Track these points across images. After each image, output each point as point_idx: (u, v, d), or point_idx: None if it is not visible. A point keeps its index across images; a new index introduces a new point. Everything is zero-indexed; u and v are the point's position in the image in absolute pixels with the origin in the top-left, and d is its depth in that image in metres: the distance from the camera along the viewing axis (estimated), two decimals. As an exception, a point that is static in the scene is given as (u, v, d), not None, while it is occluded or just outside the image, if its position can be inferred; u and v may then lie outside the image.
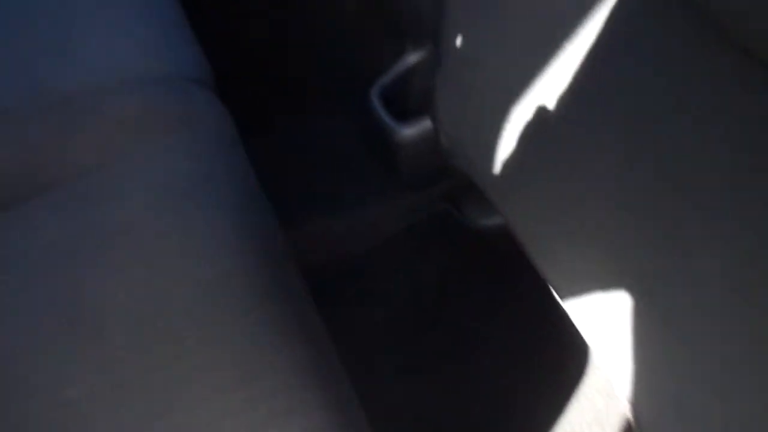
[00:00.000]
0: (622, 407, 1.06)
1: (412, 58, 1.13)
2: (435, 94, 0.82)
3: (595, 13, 0.52)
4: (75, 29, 0.70)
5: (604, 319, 0.57)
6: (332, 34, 1.43)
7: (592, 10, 0.52)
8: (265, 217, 0.70)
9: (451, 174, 1.20)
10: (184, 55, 0.74)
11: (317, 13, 1.47)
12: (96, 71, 0.67)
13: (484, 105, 0.77)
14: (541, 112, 0.69)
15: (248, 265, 0.61)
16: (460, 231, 1.19)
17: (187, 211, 0.57)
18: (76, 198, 0.57)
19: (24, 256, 0.57)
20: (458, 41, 0.74)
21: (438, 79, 0.80)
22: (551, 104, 0.66)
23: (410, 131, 1.10)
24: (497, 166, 0.82)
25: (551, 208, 0.71)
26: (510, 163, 0.79)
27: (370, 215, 1.16)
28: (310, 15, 1.48)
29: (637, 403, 0.54)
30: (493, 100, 0.76)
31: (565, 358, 1.11)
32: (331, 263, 1.15)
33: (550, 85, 0.65)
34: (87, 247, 0.55)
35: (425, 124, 1.10)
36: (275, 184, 0.86)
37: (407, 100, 1.20)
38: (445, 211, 1.20)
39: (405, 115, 1.20)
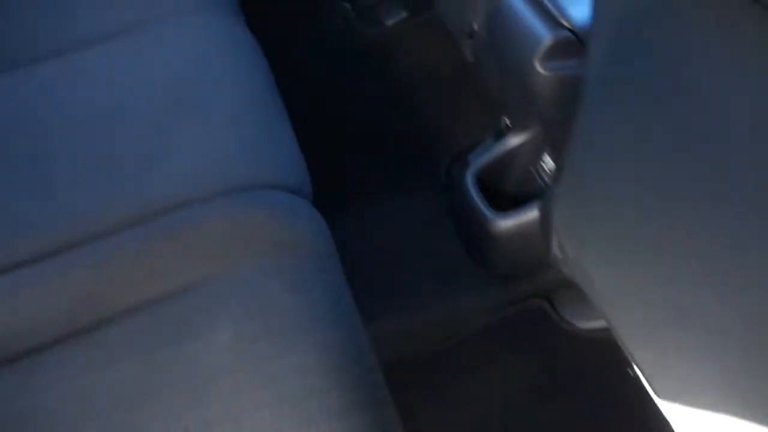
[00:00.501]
0: None
1: (513, 140, 1.04)
2: (553, 200, 0.73)
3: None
4: (166, 133, 0.64)
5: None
6: (420, 100, 1.36)
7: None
8: (359, 336, 0.61)
9: (546, 268, 1.09)
10: (281, 159, 0.66)
11: (405, 75, 1.41)
12: (183, 181, 0.61)
13: (611, 219, 0.68)
14: (673, 225, 0.61)
15: (341, 380, 0.53)
16: (554, 331, 1.07)
17: (281, 356, 0.48)
18: (154, 330, 0.49)
19: (93, 390, 0.49)
20: (587, 155, 0.65)
21: (560, 186, 0.71)
22: (682, 219, 0.58)
23: (508, 223, 1.00)
24: (613, 277, 0.72)
25: (665, 322, 0.63)
26: (628, 276, 0.69)
27: (454, 308, 1.06)
28: (397, 75, 1.42)
29: None
30: (623, 215, 0.66)
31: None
32: (409, 358, 1.06)
33: (683, 202, 0.57)
34: (154, 390, 0.47)
35: (525, 216, 1.00)
36: (348, 272, 0.78)
37: (502, 184, 1.11)
38: (539, 308, 1.09)
39: (496, 197, 1.10)
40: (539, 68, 0.74)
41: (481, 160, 1.06)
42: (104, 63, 0.70)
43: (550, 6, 0.74)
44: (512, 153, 1.06)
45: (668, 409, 0.64)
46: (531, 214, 0.99)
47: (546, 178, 1.03)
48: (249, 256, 0.54)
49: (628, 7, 0.52)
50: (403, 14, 1.48)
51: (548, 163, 1.03)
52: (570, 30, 0.73)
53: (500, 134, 1.27)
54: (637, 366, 0.71)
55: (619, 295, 0.74)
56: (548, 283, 1.09)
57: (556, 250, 0.79)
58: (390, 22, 1.47)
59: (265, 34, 1.05)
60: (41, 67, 0.70)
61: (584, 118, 0.63)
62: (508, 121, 1.23)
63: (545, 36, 0.73)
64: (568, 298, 1.09)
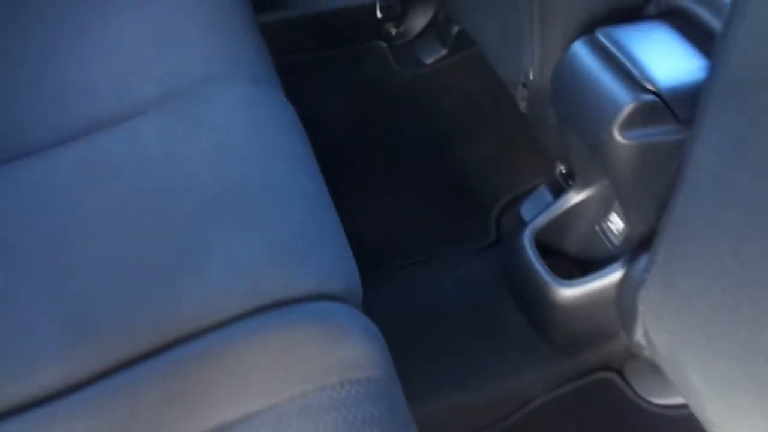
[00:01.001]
0: None
1: (576, 197, 0.94)
2: (639, 288, 0.63)
3: None
4: (201, 234, 0.56)
5: None
6: (465, 143, 1.27)
7: None
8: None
9: (614, 337, 0.99)
10: (329, 260, 0.57)
11: (448, 117, 1.32)
12: (219, 296, 0.52)
13: (706, 315, 0.58)
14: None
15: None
16: (626, 407, 0.96)
17: None
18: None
19: None
20: (684, 245, 0.55)
21: (650, 274, 0.61)
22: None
23: (574, 292, 0.90)
24: (706, 375, 0.62)
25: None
26: (723, 379, 0.60)
27: (514, 385, 0.96)
28: (440, 117, 1.33)
29: None
30: (719, 313, 0.56)
31: None
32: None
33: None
34: None
35: (592, 285, 0.89)
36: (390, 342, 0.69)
37: (562, 244, 1.01)
38: (608, 382, 0.98)
39: (555, 258, 1.00)
40: (618, 136, 0.65)
41: (539, 219, 0.96)
42: (126, 148, 0.62)
43: (629, 65, 0.65)
44: (574, 211, 0.96)
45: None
46: (599, 283, 0.89)
47: (614, 240, 0.93)
48: (295, 385, 0.46)
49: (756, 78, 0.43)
50: (443, 52, 1.39)
51: (616, 223, 0.93)
52: (655, 94, 0.64)
53: (555, 183, 1.18)
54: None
55: (711, 391, 0.64)
56: (617, 354, 0.98)
57: (639, 337, 0.69)
58: (429, 61, 1.39)
59: (296, 85, 0.98)
60: (53, 153, 0.63)
61: (683, 202, 0.54)
62: (564, 169, 1.13)
63: (626, 101, 0.63)
64: (640, 370, 0.98)
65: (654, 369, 1.01)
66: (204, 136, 0.63)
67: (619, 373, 0.97)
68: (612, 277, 0.88)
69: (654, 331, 0.63)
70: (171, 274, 0.52)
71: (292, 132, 0.68)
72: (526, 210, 1.15)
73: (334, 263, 0.57)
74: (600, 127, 0.65)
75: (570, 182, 1.11)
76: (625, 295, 0.72)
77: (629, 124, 0.64)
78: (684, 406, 0.98)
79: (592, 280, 0.88)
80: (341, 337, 0.49)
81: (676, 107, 0.63)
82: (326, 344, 0.49)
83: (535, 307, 0.96)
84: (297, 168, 0.62)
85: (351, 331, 0.50)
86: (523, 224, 1.15)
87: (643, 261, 0.68)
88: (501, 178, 1.22)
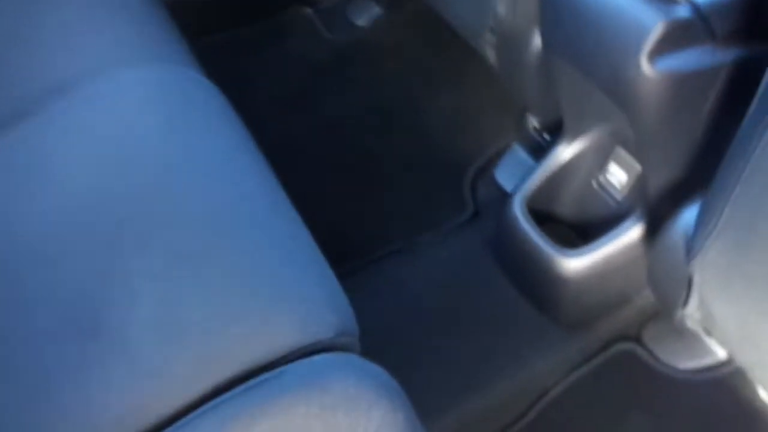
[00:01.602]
0: None
1: (566, 152, 0.82)
2: (701, 253, 0.51)
3: None
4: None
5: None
6: (419, 110, 1.13)
7: None
8: None
9: (626, 303, 0.88)
10: (316, 300, 0.43)
11: (395, 83, 1.17)
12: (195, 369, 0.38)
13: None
14: None
15: None
16: (652, 377, 0.86)
17: None
18: None
19: None
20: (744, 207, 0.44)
21: (710, 239, 0.49)
22: None
23: (582, 262, 0.79)
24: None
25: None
26: None
27: (524, 376, 0.84)
28: (386, 85, 1.17)
29: None
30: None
31: None
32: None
33: None
34: None
35: (600, 251, 0.78)
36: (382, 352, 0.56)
37: (555, 207, 0.89)
38: (626, 353, 0.88)
39: (548, 223, 0.88)
40: (646, 69, 0.52)
41: (529, 183, 0.83)
42: (29, 147, 0.45)
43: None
44: (567, 168, 0.84)
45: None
46: (611, 247, 0.77)
47: (616, 195, 0.82)
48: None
49: None
50: (377, 11, 1.24)
51: (616, 174, 0.82)
52: (693, 8, 0.51)
53: (530, 140, 1.06)
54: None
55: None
56: (632, 320, 0.88)
57: (692, 310, 0.57)
58: (363, 23, 1.24)
59: (218, 68, 0.81)
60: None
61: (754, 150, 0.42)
62: (537, 123, 1.01)
63: (655, 21, 0.50)
64: (659, 334, 0.88)
65: (674, 331, 0.92)
66: (114, 133, 0.47)
67: (638, 340, 0.87)
68: (625, 238, 0.77)
69: (719, 304, 0.52)
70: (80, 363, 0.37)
71: (226, 120, 0.52)
72: (501, 175, 1.02)
73: (321, 301, 0.42)
74: (620, 60, 0.53)
75: (546, 137, 1.00)
76: (661, 260, 0.61)
77: (659, 49, 0.51)
78: (712, 369, 0.90)
79: (602, 244, 0.77)
80: (354, 403, 0.35)
81: (715, 21, 0.52)
82: (337, 408, 0.35)
83: (538, 285, 0.84)
84: (245, 171, 0.46)
85: (362, 391, 0.37)
86: (502, 191, 1.04)
87: (685, 217, 0.57)
88: (466, 144, 1.09)
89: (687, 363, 0.85)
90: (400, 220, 0.99)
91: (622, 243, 0.75)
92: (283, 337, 0.40)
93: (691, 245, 0.52)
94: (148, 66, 0.56)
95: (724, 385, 0.85)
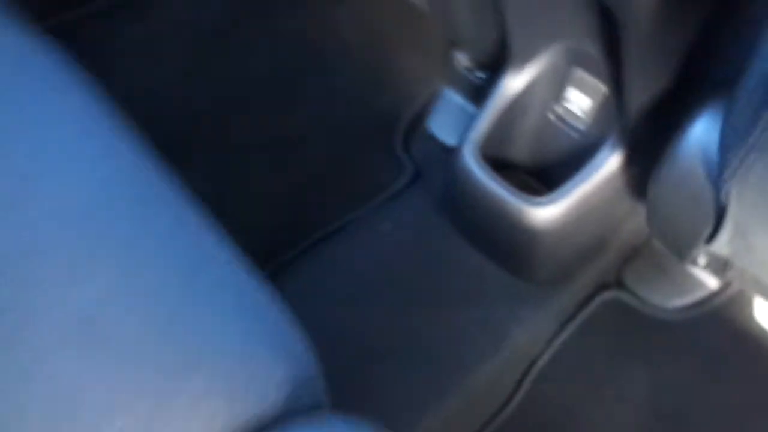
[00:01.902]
0: None
1: (517, 82, 0.70)
2: (736, 177, 0.40)
3: None
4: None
5: None
6: (330, 69, 0.98)
7: None
8: None
9: (605, 249, 0.78)
10: (274, 367, 0.29)
11: (283, 45, 1.01)
12: None
13: None
14: None
15: None
16: (641, 321, 0.77)
17: None
18: None
19: None
20: None
21: (743, 141, 0.38)
22: None
23: (555, 210, 0.67)
24: None
25: None
26: None
27: (506, 352, 0.72)
28: (273, 49, 1.01)
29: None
30: None
31: None
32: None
33: None
34: None
35: (575, 193, 0.67)
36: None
37: (509, 149, 0.77)
38: (612, 302, 0.78)
39: (503, 170, 0.77)
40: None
41: (477, 128, 0.71)
42: None
43: None
44: (518, 104, 0.72)
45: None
46: (584, 188, 0.67)
47: (579, 125, 0.71)
48: None
49: None
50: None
51: (576, 101, 0.71)
52: None
53: (461, 81, 0.93)
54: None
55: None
56: (611, 266, 0.78)
57: (720, 246, 0.47)
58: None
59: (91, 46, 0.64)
60: None
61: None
62: (469, 60, 0.89)
63: None
64: (641, 275, 0.79)
65: (656, 268, 0.84)
66: None
67: (620, 286, 0.78)
68: (602, 172, 0.65)
69: (762, 233, 0.42)
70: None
71: (101, 107, 0.37)
72: (436, 126, 0.90)
73: (268, 358, 0.28)
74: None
75: (480, 75, 0.88)
76: (671, 193, 0.50)
77: None
78: (704, 302, 0.82)
79: (577, 184, 0.65)
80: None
81: None
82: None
83: (506, 243, 0.72)
84: (125, 169, 0.31)
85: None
86: (441, 145, 0.92)
87: (696, 132, 0.46)
88: (389, 97, 0.95)
89: (677, 301, 0.77)
90: (332, 196, 0.85)
91: (598, 179, 0.64)
92: (222, 418, 0.26)
93: (722, 165, 0.42)
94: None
95: (718, 317, 0.77)
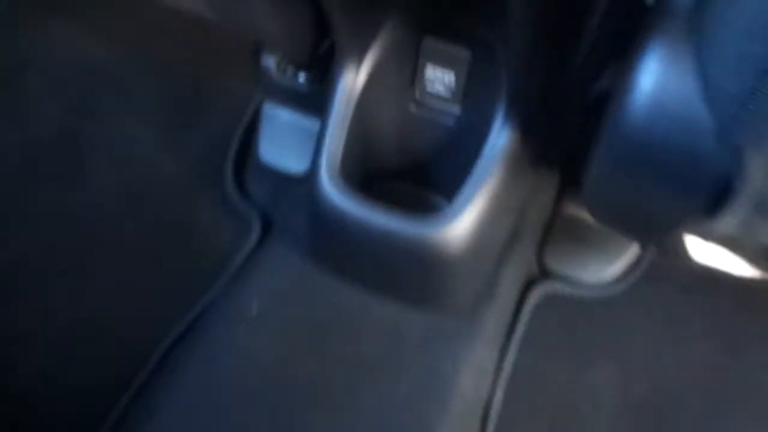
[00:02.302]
0: None
1: (354, 83, 0.52)
2: (747, 121, 0.27)
3: None
4: None
5: None
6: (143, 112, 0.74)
7: None
8: None
9: (519, 242, 0.64)
10: None
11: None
12: None
13: None
14: None
15: None
16: (584, 307, 0.65)
17: None
18: None
19: None
20: None
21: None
22: None
23: (456, 227, 0.52)
24: None
25: None
26: None
27: (455, 403, 0.57)
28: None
29: None
30: None
31: None
32: None
33: None
34: None
35: (474, 199, 0.51)
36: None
37: (375, 154, 0.60)
38: (547, 297, 0.65)
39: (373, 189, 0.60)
40: None
41: (327, 148, 0.54)
42: None
43: None
44: (368, 103, 0.56)
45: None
46: (486, 188, 0.52)
47: (451, 110, 0.57)
48: None
49: None
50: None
51: (439, 78, 0.56)
52: None
53: (281, 91, 0.75)
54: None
55: None
56: (530, 256, 0.65)
57: (728, 224, 0.34)
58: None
59: None
60: None
61: None
62: (287, 64, 0.70)
63: None
64: (565, 253, 0.67)
65: (576, 242, 0.73)
66: None
67: (546, 273, 0.66)
68: (503, 159, 0.51)
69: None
70: None
71: None
72: (269, 153, 0.72)
73: None
74: None
75: (300, 78, 0.71)
76: (628, 169, 0.37)
77: None
78: (637, 263, 0.72)
79: (478, 184, 0.50)
80: None
81: None
82: None
83: (412, 279, 0.56)
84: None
85: None
86: (281, 176, 0.73)
87: (643, 90, 0.32)
88: (200, 138, 0.75)
89: (610, 270, 0.66)
90: (170, 285, 0.65)
91: (500, 170, 0.50)
92: None
93: (725, 124, 0.28)
94: None
95: (657, 271, 0.68)
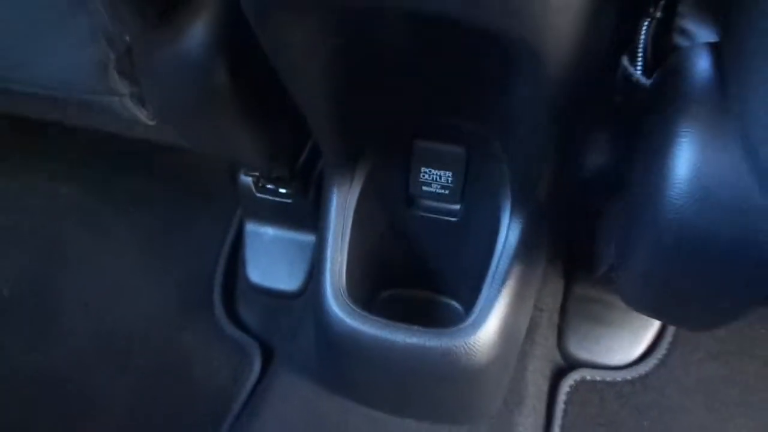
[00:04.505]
0: None
1: (348, 192, 0.49)
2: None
3: None
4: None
5: None
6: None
7: None
8: None
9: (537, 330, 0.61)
10: None
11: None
12: None
13: None
14: None
15: None
16: (615, 390, 0.61)
17: None
18: None
19: None
20: None
21: None
22: None
23: (480, 337, 0.48)
24: None
25: None
26: None
27: None
28: None
29: None
30: None
31: None
32: None
33: None
34: None
35: (496, 304, 0.47)
36: None
37: (380, 275, 0.57)
38: (580, 383, 0.60)
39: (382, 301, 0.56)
40: None
41: (327, 266, 0.50)
42: None
43: None
44: (364, 210, 0.53)
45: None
46: (507, 290, 0.48)
47: (447, 204, 0.54)
48: None
49: None
50: None
51: (434, 178, 0.53)
52: None
53: (265, 208, 0.72)
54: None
55: None
56: (552, 342, 0.62)
57: None
58: None
59: None
60: None
61: None
62: (258, 178, 0.67)
63: None
64: (585, 335, 0.63)
65: (593, 323, 0.69)
66: None
67: (570, 363, 0.62)
68: (520, 257, 0.48)
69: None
70: None
71: None
72: (252, 270, 0.67)
73: None
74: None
75: (285, 190, 0.67)
76: (671, 261, 0.34)
77: None
78: (659, 342, 0.68)
79: (498, 289, 0.47)
80: None
81: None
82: None
83: (438, 396, 0.52)
84: None
85: None
86: (276, 295, 0.69)
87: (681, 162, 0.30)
88: (180, 271, 0.71)
89: (633, 351, 0.63)
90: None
91: (518, 269, 0.47)
92: None
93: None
94: None
95: (677, 353, 0.65)
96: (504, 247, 0.48)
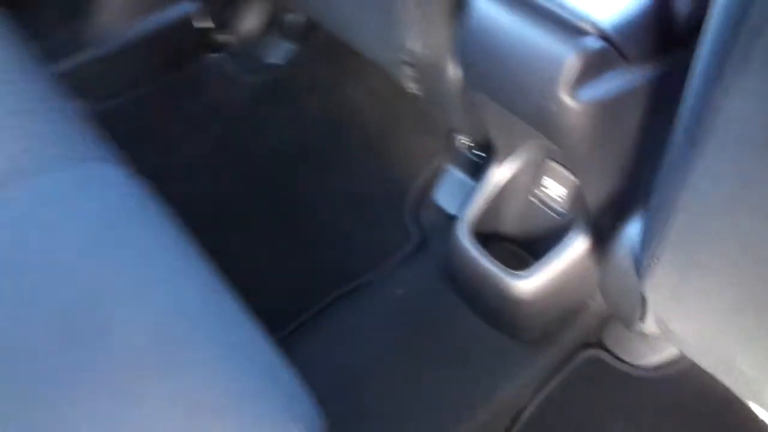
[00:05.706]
0: None
1: (502, 172, 0.81)
2: (650, 274, 0.51)
3: None
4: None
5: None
6: (347, 147, 1.11)
7: None
8: None
9: (583, 310, 0.88)
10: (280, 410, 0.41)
11: (318, 120, 1.14)
12: None
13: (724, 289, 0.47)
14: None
15: None
16: (619, 378, 0.86)
17: None
18: None
19: None
20: (696, 221, 0.44)
21: (659, 256, 0.49)
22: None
23: (534, 283, 0.78)
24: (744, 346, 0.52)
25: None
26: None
27: (497, 402, 0.83)
28: (309, 124, 1.15)
29: None
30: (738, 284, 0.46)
31: None
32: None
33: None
34: None
35: (551, 270, 0.77)
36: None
37: (498, 226, 0.88)
38: (593, 360, 0.88)
39: (493, 242, 0.88)
40: (568, 100, 0.52)
41: (470, 209, 0.82)
42: None
43: (561, 10, 0.52)
44: (505, 188, 0.83)
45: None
46: (560, 263, 0.77)
47: (558, 207, 0.82)
48: None
49: None
50: (290, 48, 1.22)
51: (553, 188, 0.82)
52: (601, 37, 0.51)
53: (462, 159, 1.05)
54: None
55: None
56: (593, 327, 0.88)
57: (650, 326, 0.57)
58: (277, 61, 1.21)
59: (129, 138, 0.76)
60: None
61: (689, 168, 0.42)
62: (469, 141, 1.00)
63: (568, 53, 0.49)
64: (619, 336, 0.88)
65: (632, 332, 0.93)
66: (35, 247, 0.43)
67: (600, 345, 0.88)
68: (570, 251, 0.76)
69: (676, 320, 0.52)
70: None
71: (158, 220, 0.49)
72: (442, 197, 1.02)
73: (291, 419, 0.40)
74: (540, 96, 0.52)
75: (479, 153, 1.00)
76: (612, 279, 0.61)
77: (577, 81, 0.51)
78: (672, 362, 0.90)
79: (549, 261, 0.76)
80: None
81: (624, 45, 0.51)
82: None
83: (494, 308, 0.83)
84: (182, 276, 0.44)
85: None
86: (446, 214, 1.03)
87: (629, 233, 0.56)
88: (399, 171, 1.07)
89: (650, 359, 0.86)
90: (346, 261, 0.97)
91: (569, 257, 0.75)
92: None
93: (639, 264, 0.52)
94: (67, 169, 0.52)
95: (687, 374, 0.86)
96: (568, 241, 0.75)
